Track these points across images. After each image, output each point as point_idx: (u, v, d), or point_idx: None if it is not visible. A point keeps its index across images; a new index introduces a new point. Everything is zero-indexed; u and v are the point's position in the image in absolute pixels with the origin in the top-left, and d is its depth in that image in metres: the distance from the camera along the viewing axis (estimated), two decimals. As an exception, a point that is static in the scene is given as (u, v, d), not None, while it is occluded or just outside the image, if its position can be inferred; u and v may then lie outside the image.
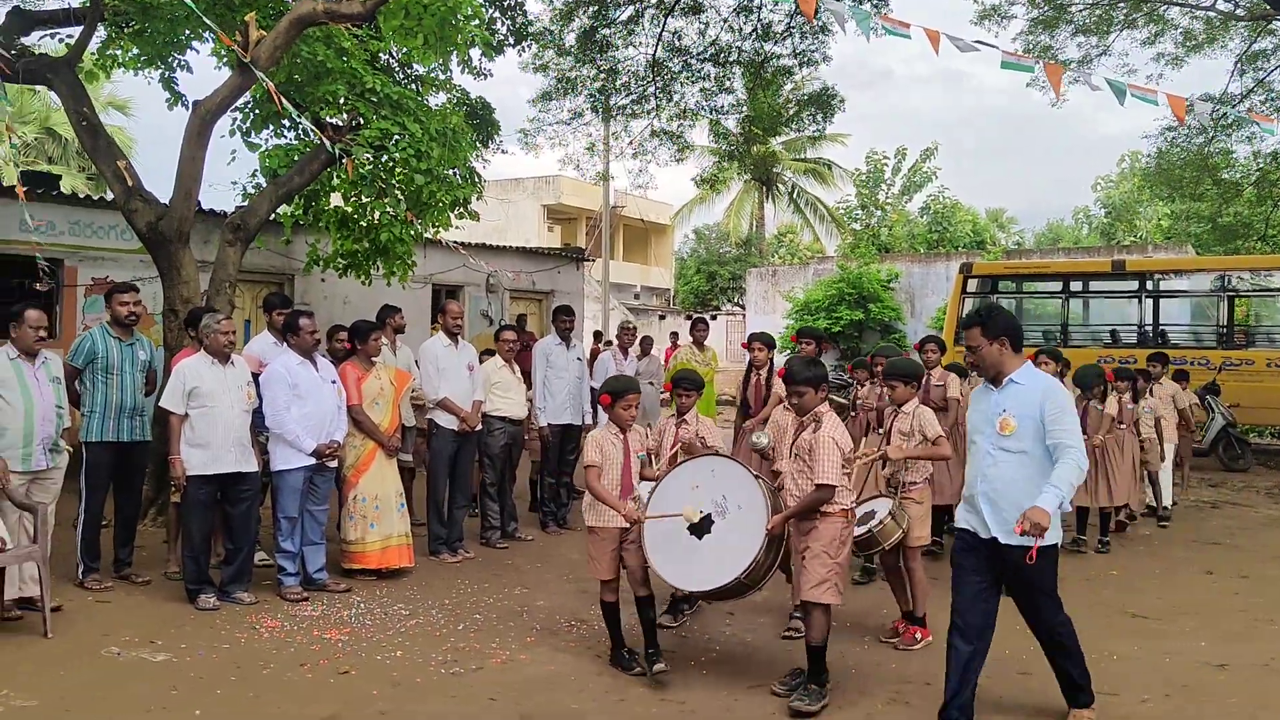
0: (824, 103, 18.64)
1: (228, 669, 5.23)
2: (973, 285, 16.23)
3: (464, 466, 8.15)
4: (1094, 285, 16.63)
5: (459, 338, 8.16)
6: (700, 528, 5.05)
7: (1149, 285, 15.42)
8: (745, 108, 18.85)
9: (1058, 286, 16.54)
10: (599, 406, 5.78)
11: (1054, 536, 4.36)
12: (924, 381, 8.00)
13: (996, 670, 5.42)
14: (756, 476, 5.11)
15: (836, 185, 37.02)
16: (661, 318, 36.60)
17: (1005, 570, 4.48)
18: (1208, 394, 13.13)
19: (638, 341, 10.78)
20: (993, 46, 6.17)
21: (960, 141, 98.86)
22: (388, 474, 7.31)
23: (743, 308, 30.65)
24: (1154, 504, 9.90)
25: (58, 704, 4.70)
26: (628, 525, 5.25)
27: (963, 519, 4.65)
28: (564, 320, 9.15)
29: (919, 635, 5.88)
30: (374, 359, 7.36)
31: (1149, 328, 15.21)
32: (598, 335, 20.40)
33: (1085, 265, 18.66)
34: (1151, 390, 9.90)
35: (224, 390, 6.43)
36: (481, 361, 8.42)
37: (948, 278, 19.62)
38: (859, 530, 5.60)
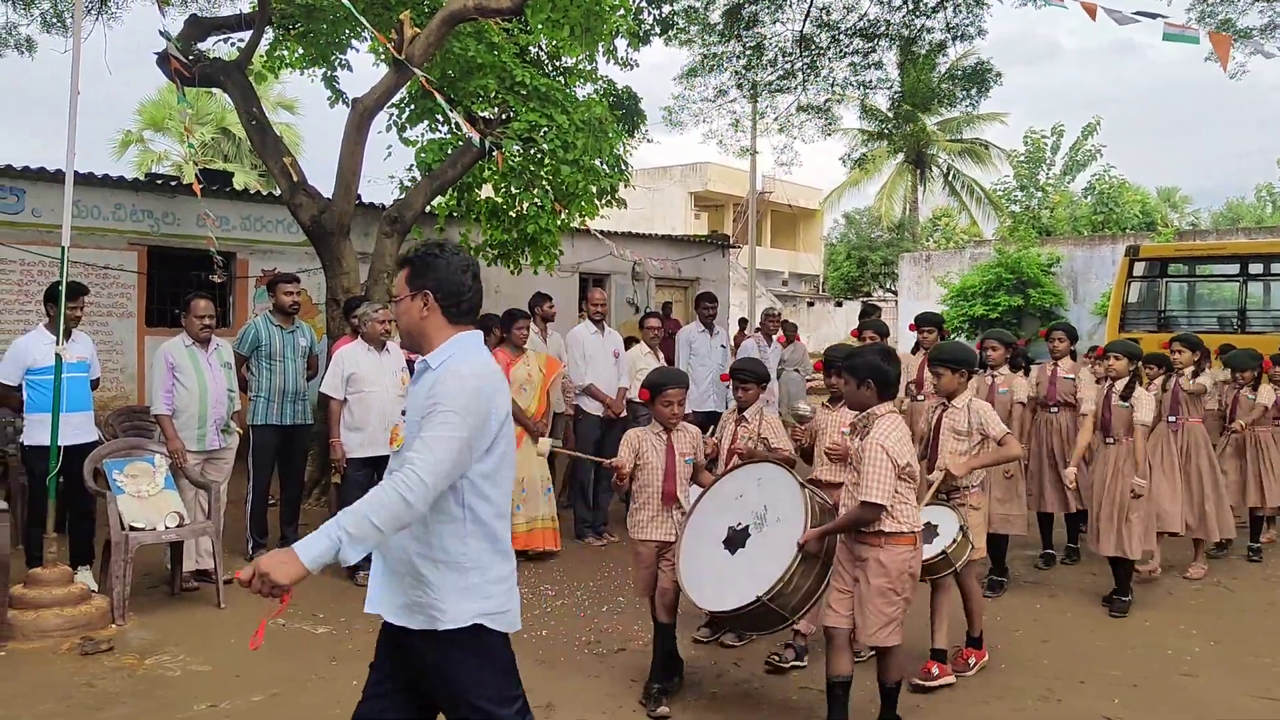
0: (978, 78, 17.93)
1: (382, 643, 5.46)
2: (1139, 269, 15.39)
3: (609, 452, 8.25)
4: (1276, 268, 15.54)
5: (604, 325, 8.26)
6: (735, 541, 4.45)
7: (1339, 267, 14.33)
8: (896, 84, 18.30)
9: (1234, 269, 15.52)
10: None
11: (472, 612, 2.70)
12: (1052, 374, 7.33)
13: (1156, 670, 5.17)
14: (803, 486, 4.35)
15: (994, 166, 35.60)
16: (810, 304, 36.18)
17: (412, 668, 2.80)
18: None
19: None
20: (1153, 17, 5.80)
21: (1131, 117, 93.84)
22: (534, 458, 7.47)
23: (895, 294, 29.99)
24: None
25: (228, 669, 5.02)
26: (669, 540, 4.80)
27: None
28: (707, 307, 9.15)
29: (973, 659, 5.13)
30: (523, 346, 7.54)
31: (1339, 313, 14.14)
32: (743, 322, 20.31)
33: (1266, 246, 17.43)
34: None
35: (379, 376, 6.72)
36: (626, 348, 8.51)
37: (1113, 261, 18.65)
38: (927, 552, 4.61)
